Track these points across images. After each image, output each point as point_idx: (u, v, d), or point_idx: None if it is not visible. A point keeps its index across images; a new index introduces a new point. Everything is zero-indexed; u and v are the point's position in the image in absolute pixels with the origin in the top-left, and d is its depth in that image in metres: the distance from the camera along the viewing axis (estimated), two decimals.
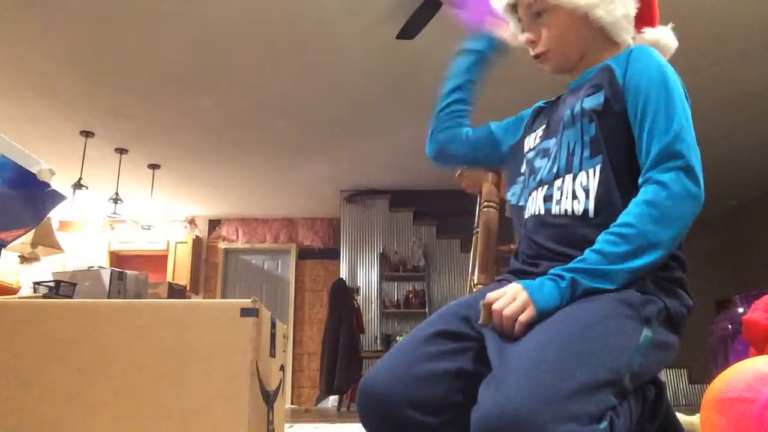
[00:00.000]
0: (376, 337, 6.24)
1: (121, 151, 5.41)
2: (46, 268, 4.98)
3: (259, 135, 5.30)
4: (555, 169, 1.01)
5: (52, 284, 2.44)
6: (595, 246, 0.87)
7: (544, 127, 1.13)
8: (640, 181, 0.91)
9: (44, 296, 2.31)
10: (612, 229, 0.87)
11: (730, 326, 3.92)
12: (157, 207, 6.68)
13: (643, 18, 1.15)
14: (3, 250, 1.56)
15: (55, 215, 6.70)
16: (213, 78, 4.32)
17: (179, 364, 0.81)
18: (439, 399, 0.84)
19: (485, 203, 1.75)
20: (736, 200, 7.11)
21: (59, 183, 1.60)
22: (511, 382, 0.72)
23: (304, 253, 7.62)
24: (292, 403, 6.72)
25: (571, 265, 0.86)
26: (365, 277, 6.41)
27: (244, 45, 3.90)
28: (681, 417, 2.23)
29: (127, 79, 4.26)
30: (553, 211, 0.98)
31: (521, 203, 1.11)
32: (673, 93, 0.95)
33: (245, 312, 0.82)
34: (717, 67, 4.20)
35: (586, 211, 0.94)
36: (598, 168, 0.94)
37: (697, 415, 1.74)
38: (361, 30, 3.73)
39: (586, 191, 0.94)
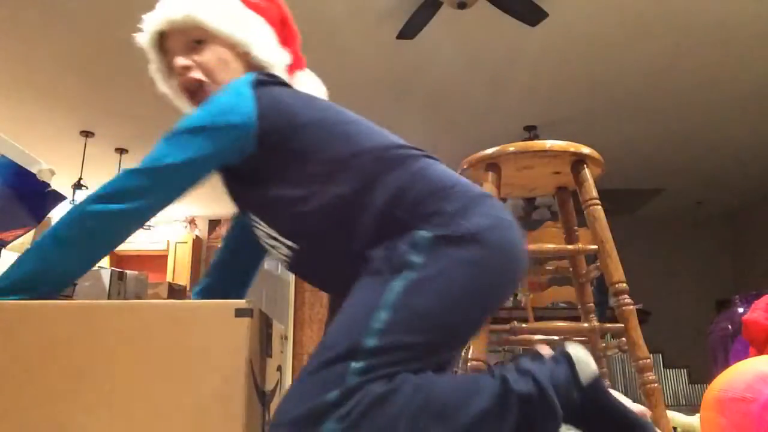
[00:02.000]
0: None
1: (121, 151, 5.41)
2: None
3: None
4: None
5: None
6: None
7: None
8: None
9: None
10: None
11: (730, 326, 3.92)
12: None
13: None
14: (3, 250, 1.56)
15: (55, 215, 6.68)
16: None
17: (175, 364, 0.81)
18: None
19: None
20: (736, 200, 7.11)
21: (59, 183, 1.61)
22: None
23: None
24: None
25: None
26: None
27: None
28: (681, 417, 2.23)
29: (127, 79, 4.26)
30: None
31: None
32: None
33: (239, 312, 0.82)
34: (717, 67, 4.20)
35: None
36: None
37: (697, 415, 1.74)
38: (361, 30, 3.73)
39: None
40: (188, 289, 6.25)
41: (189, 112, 1.02)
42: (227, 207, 7.29)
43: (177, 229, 7.40)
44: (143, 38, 1.12)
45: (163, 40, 1.09)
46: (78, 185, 5.11)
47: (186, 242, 7.27)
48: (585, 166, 1.66)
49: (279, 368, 1.09)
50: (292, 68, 1.12)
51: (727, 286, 6.79)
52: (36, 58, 3.97)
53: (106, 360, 0.81)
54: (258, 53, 1.03)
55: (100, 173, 5.64)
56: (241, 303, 0.83)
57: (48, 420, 0.78)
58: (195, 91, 1.04)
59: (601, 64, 4.13)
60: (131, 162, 5.58)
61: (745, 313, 2.27)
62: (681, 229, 7.47)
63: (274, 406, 0.99)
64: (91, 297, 2.46)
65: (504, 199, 1.91)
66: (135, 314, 0.84)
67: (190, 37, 1.03)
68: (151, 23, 1.10)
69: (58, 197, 1.57)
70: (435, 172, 0.91)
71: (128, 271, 2.77)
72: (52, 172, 1.50)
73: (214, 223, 7.68)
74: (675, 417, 2.25)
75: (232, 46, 1.02)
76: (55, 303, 0.86)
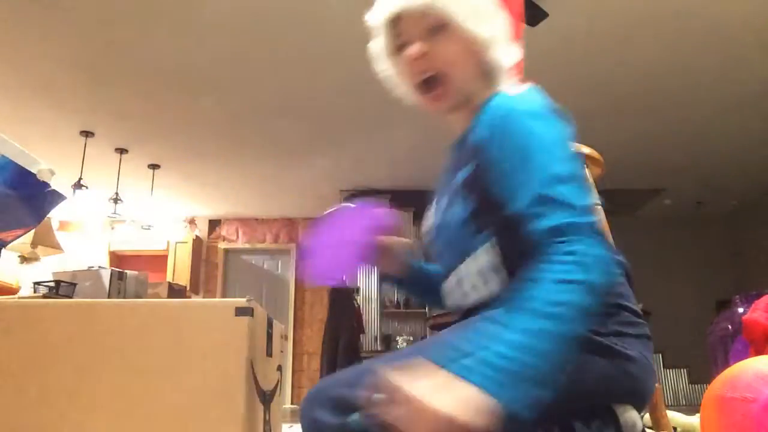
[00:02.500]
0: (376, 337, 6.23)
1: (121, 151, 5.41)
2: (46, 268, 4.98)
3: (259, 135, 5.30)
4: (452, 255, 0.91)
5: (52, 284, 2.44)
6: None
7: (434, 204, 0.99)
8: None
9: (44, 296, 2.31)
10: None
11: (730, 326, 3.92)
12: (157, 207, 6.68)
13: None
14: (3, 250, 1.56)
15: (55, 215, 6.69)
16: (213, 78, 4.32)
17: (175, 363, 0.81)
18: None
19: None
20: (736, 200, 7.11)
21: (59, 183, 1.60)
22: None
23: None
24: (292, 403, 6.71)
25: None
26: (365, 277, 6.41)
27: (244, 45, 3.90)
28: (681, 417, 2.23)
29: (127, 79, 4.26)
30: (471, 300, 0.88)
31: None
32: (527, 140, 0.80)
33: (240, 311, 0.82)
34: (717, 67, 4.20)
35: (496, 291, 0.84)
36: (493, 241, 0.84)
37: (697, 415, 1.74)
38: (362, 30, 3.73)
39: (495, 269, 0.84)
40: (188, 289, 6.28)
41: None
42: (227, 207, 7.29)
43: (177, 229, 7.40)
44: (375, 17, 1.02)
45: (396, 19, 0.99)
46: (78, 185, 5.11)
47: (186, 242, 7.27)
48: (585, 166, 1.66)
49: (279, 368, 1.09)
50: (514, 69, 1.02)
51: (727, 286, 6.79)
52: (36, 58, 3.97)
53: (106, 360, 0.81)
54: (494, 54, 0.94)
55: (100, 173, 5.64)
56: (241, 302, 0.83)
57: (48, 419, 0.78)
58: (426, 82, 0.94)
59: (601, 64, 4.13)
60: (131, 162, 5.58)
61: (745, 313, 2.27)
62: (681, 229, 7.47)
63: (274, 405, 0.99)
64: (91, 297, 2.46)
65: None
66: (135, 314, 0.84)
67: (427, 23, 0.93)
68: (387, 3, 0.99)
69: (58, 197, 1.57)
70: (629, 294, 0.87)
71: (128, 271, 2.77)
72: (52, 172, 1.50)
73: (214, 223, 7.68)
74: (675, 417, 2.25)
75: (470, 41, 0.92)
76: (55, 302, 0.86)
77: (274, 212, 7.53)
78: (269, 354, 0.98)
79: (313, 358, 6.96)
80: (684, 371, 6.29)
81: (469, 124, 0.93)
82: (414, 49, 0.93)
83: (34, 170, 1.44)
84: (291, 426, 2.87)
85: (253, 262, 7.67)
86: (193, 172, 6.06)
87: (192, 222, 7.57)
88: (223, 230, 7.66)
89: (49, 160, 1.61)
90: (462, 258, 0.88)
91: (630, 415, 0.79)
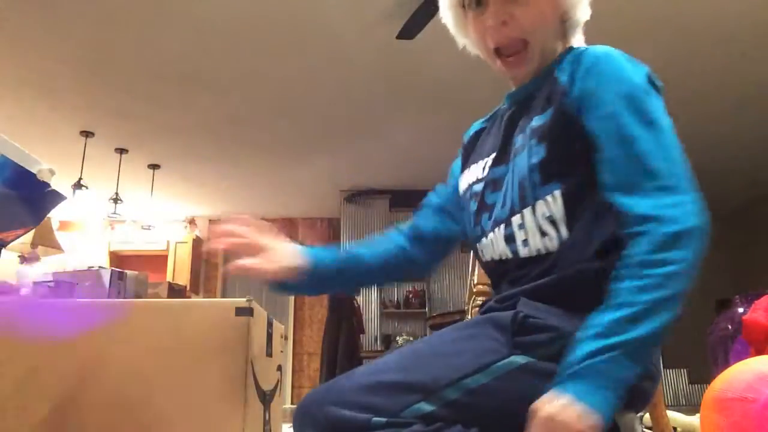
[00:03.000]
0: (376, 337, 6.23)
1: (121, 151, 5.41)
2: (46, 268, 4.97)
3: (259, 135, 5.30)
4: (509, 204, 0.84)
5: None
6: None
7: (495, 154, 0.92)
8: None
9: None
10: None
11: (730, 326, 3.92)
12: (157, 207, 6.68)
13: None
14: (3, 250, 1.56)
15: (55, 215, 6.69)
16: (213, 78, 4.32)
17: (175, 363, 0.81)
18: None
19: None
20: (736, 200, 7.11)
21: (59, 183, 1.61)
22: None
23: None
24: (292, 403, 6.72)
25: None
26: None
27: (244, 45, 3.90)
28: (681, 417, 2.23)
29: (127, 79, 4.26)
30: (521, 254, 0.82)
31: (476, 245, 0.92)
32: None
33: (240, 311, 0.82)
34: (718, 69, 4.20)
35: (563, 244, 0.78)
36: (557, 193, 0.79)
37: (697, 415, 1.74)
38: (361, 30, 3.73)
39: (554, 222, 0.79)
40: (188, 289, 6.25)
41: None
42: (227, 207, 7.29)
43: (177, 229, 7.41)
44: None
45: None
46: (78, 185, 5.11)
47: (186, 242, 7.27)
48: None
49: (279, 368, 1.09)
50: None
51: (727, 286, 6.79)
52: (36, 58, 3.97)
53: (106, 360, 0.81)
54: (578, 15, 0.91)
55: (100, 173, 5.64)
56: (241, 302, 0.83)
57: (49, 419, 0.78)
58: (507, 48, 0.88)
59: None
60: (131, 162, 5.58)
61: (745, 313, 2.27)
62: None
63: (274, 405, 0.99)
64: (91, 297, 2.46)
65: None
66: (135, 314, 0.84)
67: None
68: None
69: (58, 197, 1.57)
70: None
71: (128, 271, 2.77)
72: (52, 172, 1.50)
73: (214, 223, 7.68)
74: (675, 417, 2.25)
75: (556, 2, 0.87)
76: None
77: (274, 212, 7.53)
78: (269, 354, 0.98)
79: (313, 358, 6.97)
80: (684, 371, 6.29)
81: (533, 77, 0.90)
82: (495, 15, 0.87)
83: (34, 170, 1.44)
84: (291, 426, 2.87)
85: None
86: (193, 172, 6.06)
87: (192, 222, 7.57)
88: None
89: (49, 160, 1.61)
90: (518, 208, 0.82)
91: (629, 417, 0.79)
